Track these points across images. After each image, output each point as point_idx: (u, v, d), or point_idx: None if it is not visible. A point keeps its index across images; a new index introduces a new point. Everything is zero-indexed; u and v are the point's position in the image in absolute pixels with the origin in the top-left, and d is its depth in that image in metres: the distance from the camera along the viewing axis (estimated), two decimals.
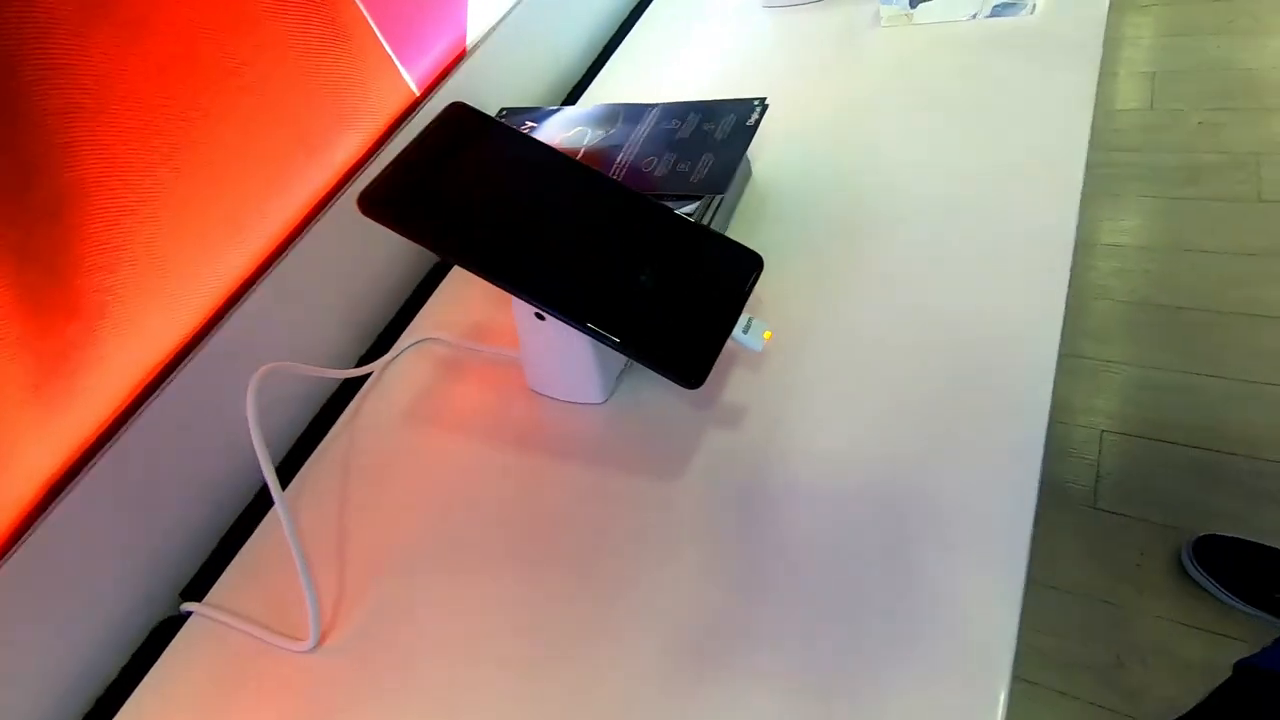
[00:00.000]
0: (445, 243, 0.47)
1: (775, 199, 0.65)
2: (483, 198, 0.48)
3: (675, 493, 0.50)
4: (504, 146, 0.50)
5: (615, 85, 0.89)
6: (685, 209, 0.56)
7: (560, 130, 0.68)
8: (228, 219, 0.57)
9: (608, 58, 0.94)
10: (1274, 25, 1.82)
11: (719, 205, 0.60)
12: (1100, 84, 0.65)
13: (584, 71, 0.95)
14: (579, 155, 0.64)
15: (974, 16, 0.77)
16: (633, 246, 0.48)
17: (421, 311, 0.71)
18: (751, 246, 0.51)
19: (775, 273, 0.60)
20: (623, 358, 0.56)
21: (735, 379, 0.54)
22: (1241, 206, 1.52)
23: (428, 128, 0.50)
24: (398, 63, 0.70)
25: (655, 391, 0.56)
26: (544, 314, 0.49)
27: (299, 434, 0.65)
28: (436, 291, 0.73)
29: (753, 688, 0.40)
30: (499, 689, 0.44)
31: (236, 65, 0.54)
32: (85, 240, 0.48)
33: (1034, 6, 0.74)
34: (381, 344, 0.71)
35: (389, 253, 0.72)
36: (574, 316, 0.46)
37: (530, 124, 0.71)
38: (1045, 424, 0.45)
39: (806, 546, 0.44)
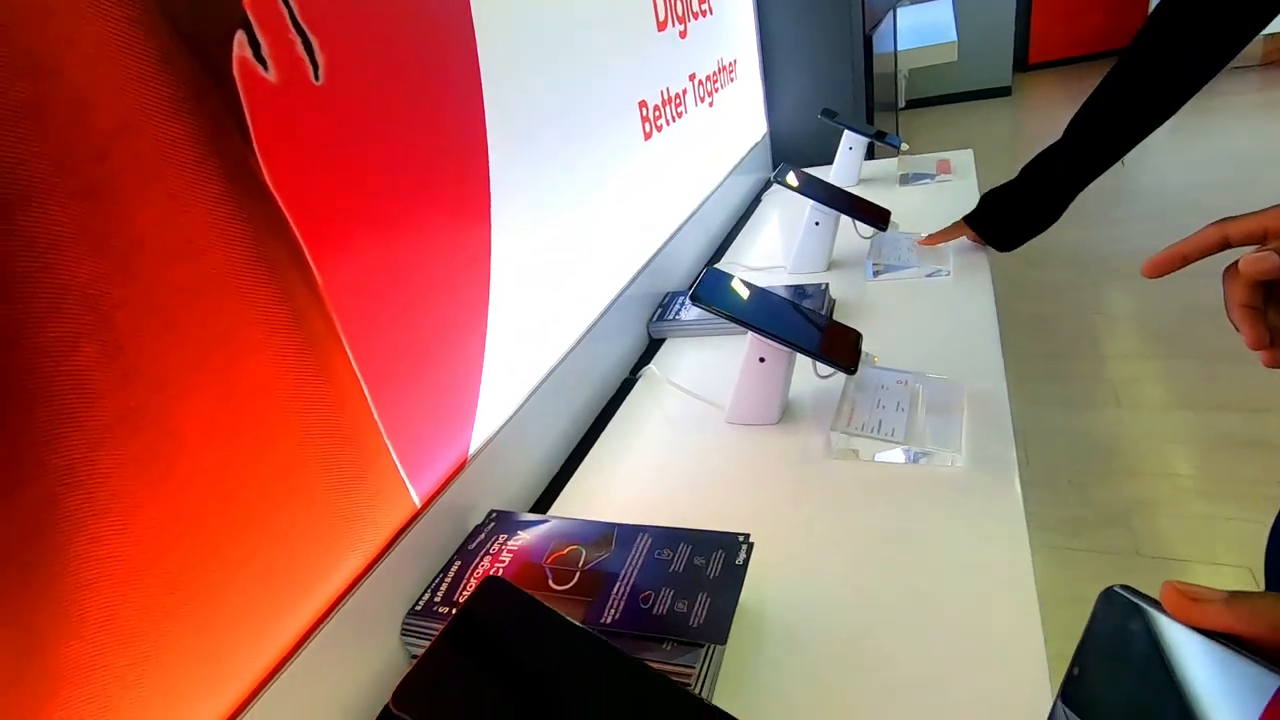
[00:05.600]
0: None
1: (760, 629, 0.67)
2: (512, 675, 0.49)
3: None
4: (532, 620, 0.52)
5: (588, 491, 0.92)
6: (686, 659, 0.58)
7: (553, 543, 0.72)
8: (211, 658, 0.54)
9: (582, 457, 0.99)
10: None
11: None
12: None
13: (559, 468, 0.99)
14: (574, 578, 0.67)
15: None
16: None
17: None
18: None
19: (775, 706, 0.59)
20: None
21: None
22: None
23: (467, 602, 0.52)
24: (407, 480, 0.73)
25: None
26: None
27: None
28: None
29: None
30: None
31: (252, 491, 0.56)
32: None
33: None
34: None
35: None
36: None
37: (521, 534, 0.74)
38: None
39: None
